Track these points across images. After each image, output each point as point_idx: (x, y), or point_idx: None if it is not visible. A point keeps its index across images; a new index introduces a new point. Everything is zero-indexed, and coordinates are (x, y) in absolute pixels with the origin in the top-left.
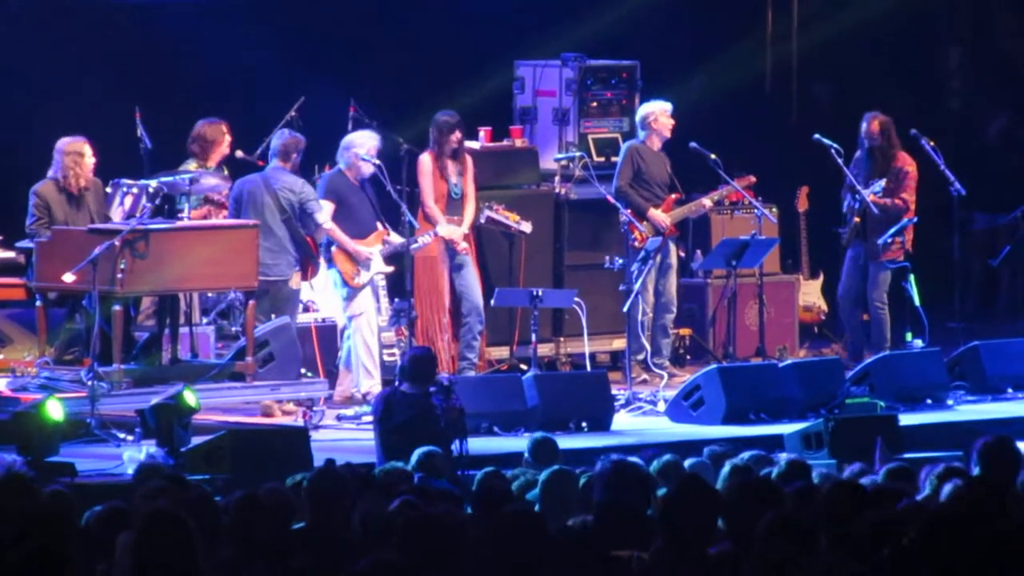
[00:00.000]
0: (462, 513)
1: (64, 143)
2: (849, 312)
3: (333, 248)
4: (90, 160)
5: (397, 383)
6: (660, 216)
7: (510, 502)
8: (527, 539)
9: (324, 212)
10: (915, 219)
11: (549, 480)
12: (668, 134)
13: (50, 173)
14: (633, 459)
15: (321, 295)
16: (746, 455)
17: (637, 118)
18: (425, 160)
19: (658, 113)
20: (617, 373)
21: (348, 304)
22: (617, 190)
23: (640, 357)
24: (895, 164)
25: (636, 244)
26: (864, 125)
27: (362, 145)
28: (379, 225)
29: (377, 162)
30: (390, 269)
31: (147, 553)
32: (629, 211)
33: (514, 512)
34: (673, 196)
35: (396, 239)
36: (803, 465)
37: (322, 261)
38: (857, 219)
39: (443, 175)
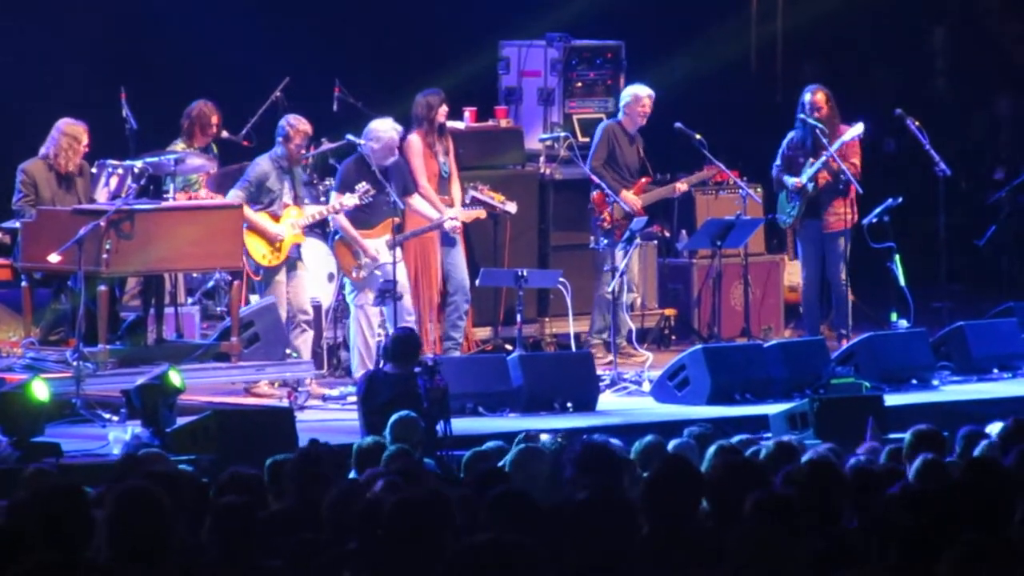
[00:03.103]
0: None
1: (65, 123)
2: (815, 300)
3: (337, 237)
4: (84, 147)
5: (381, 363)
6: (631, 199)
7: (503, 483)
8: (520, 519)
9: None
10: (900, 199)
11: (519, 457)
12: (641, 121)
13: (41, 151)
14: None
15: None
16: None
17: (623, 100)
18: (415, 140)
19: (637, 100)
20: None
21: (356, 292)
22: (590, 170)
23: (612, 337)
24: (840, 133)
25: (605, 224)
26: (808, 96)
27: (377, 140)
28: (395, 211)
29: (362, 142)
30: (393, 259)
31: (120, 530)
32: (596, 194)
33: (507, 492)
34: (644, 179)
35: (429, 212)
36: (792, 447)
37: (321, 244)
38: (812, 185)
39: (433, 154)
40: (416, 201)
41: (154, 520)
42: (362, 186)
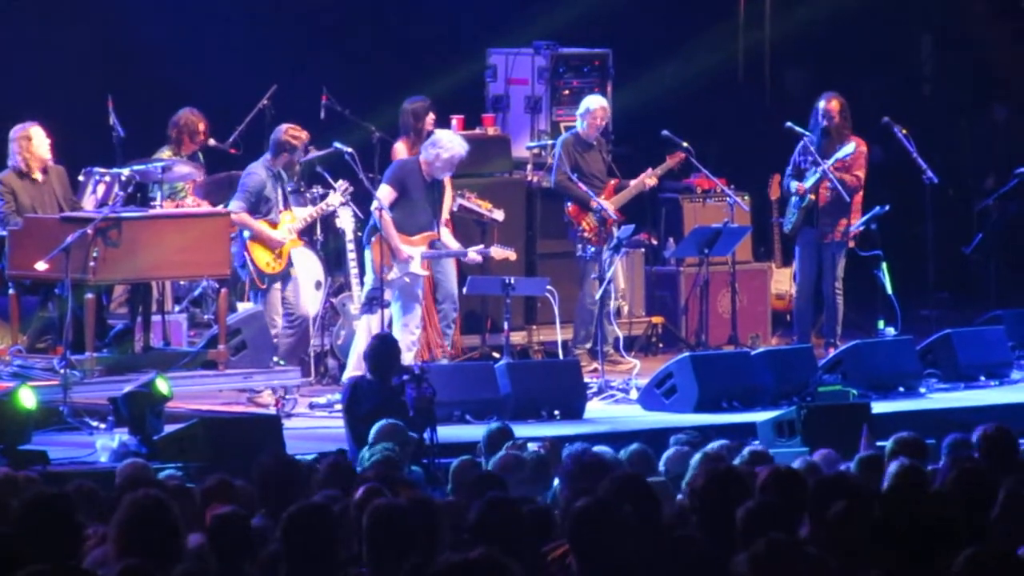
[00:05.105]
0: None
1: (14, 130)
2: (807, 305)
3: (376, 235)
4: (42, 141)
5: (365, 371)
6: (607, 204)
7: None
8: (506, 524)
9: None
10: (887, 207)
11: (500, 465)
12: (593, 132)
13: (9, 163)
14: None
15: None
16: (716, 444)
17: (579, 112)
18: (400, 149)
19: (589, 113)
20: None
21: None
22: (557, 184)
23: (598, 346)
24: (847, 142)
25: (586, 234)
26: (823, 104)
27: (446, 150)
28: (434, 226)
29: (349, 150)
30: (426, 273)
31: (132, 538)
32: (571, 206)
33: (496, 498)
34: (612, 182)
35: (452, 243)
36: (765, 455)
37: (309, 253)
38: (812, 196)
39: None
40: (442, 230)
41: (166, 529)
42: (342, 184)
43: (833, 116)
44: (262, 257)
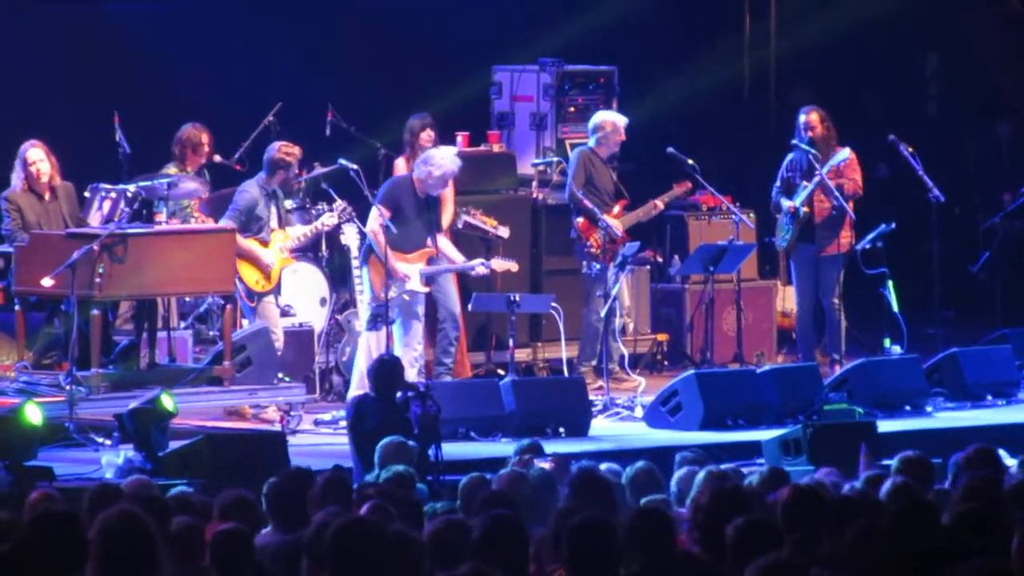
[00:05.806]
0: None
1: (22, 149)
2: (809, 323)
3: (372, 255)
4: (42, 162)
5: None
6: (613, 222)
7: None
8: (511, 542)
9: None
10: (893, 225)
11: (505, 480)
12: (616, 149)
13: (14, 179)
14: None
15: (298, 299)
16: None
17: (591, 124)
18: (399, 165)
19: (617, 130)
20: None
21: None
22: (570, 196)
23: (603, 364)
24: (836, 152)
25: (593, 250)
26: (803, 118)
27: (438, 167)
28: (429, 243)
29: (355, 167)
30: (426, 289)
31: (109, 554)
32: (582, 220)
33: (499, 516)
34: (620, 203)
35: (455, 255)
36: (784, 474)
37: (314, 269)
38: (806, 208)
39: None
40: (442, 241)
41: (141, 546)
42: (339, 204)
43: (815, 127)
44: (251, 275)
